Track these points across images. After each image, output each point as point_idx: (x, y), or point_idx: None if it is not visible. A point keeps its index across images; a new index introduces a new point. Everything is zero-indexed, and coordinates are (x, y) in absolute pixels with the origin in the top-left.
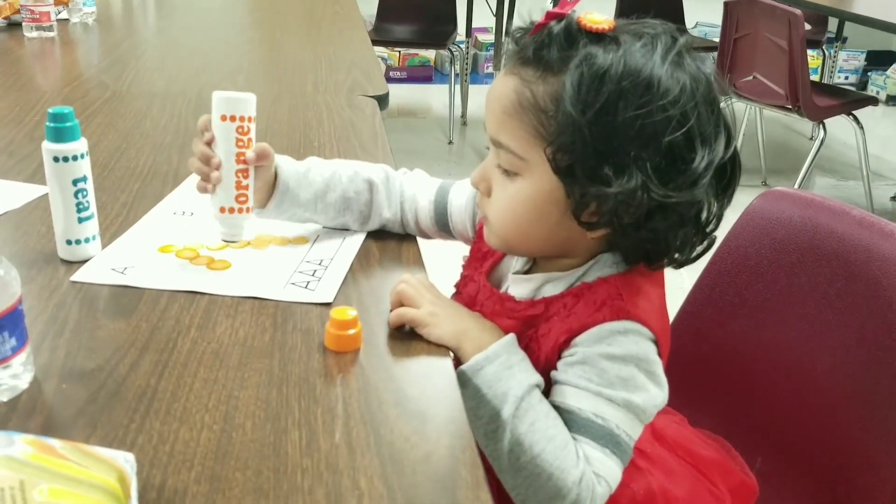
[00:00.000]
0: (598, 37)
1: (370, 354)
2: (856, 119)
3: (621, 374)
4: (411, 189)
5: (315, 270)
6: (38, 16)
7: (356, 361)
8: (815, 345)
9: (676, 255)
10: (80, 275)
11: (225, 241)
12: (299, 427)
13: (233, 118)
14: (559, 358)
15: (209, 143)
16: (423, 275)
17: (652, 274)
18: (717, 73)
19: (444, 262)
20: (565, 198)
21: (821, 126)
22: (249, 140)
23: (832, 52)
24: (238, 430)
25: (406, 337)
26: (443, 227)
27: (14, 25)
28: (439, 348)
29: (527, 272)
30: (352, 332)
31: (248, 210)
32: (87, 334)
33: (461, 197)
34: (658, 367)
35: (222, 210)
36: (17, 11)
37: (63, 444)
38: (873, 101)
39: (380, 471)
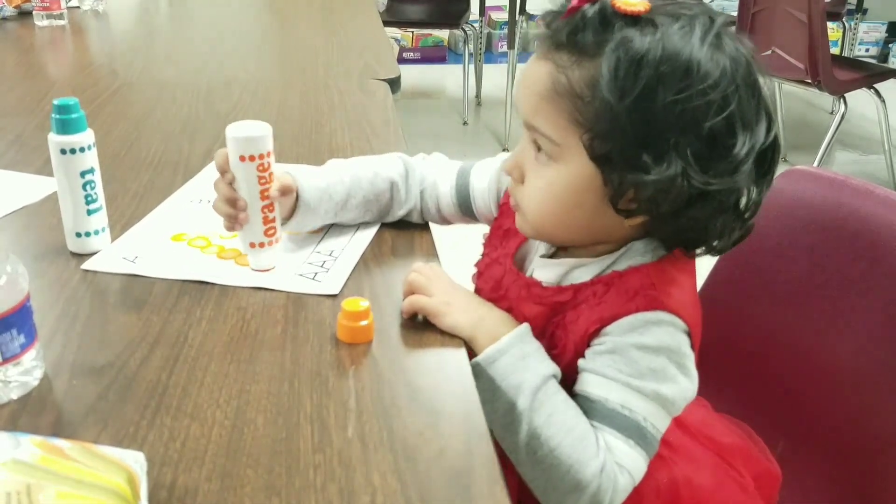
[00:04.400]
0: (633, 19)
1: (383, 346)
2: (877, 92)
3: (652, 366)
4: (431, 177)
5: (324, 261)
6: (48, 4)
7: (369, 353)
8: (837, 327)
9: (715, 243)
10: (92, 263)
11: (255, 269)
12: (311, 422)
13: (251, 157)
14: (588, 347)
15: (231, 183)
16: (437, 263)
17: (684, 264)
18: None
19: (456, 245)
20: (602, 185)
21: (841, 100)
22: (271, 174)
23: (852, 24)
24: (249, 425)
25: (419, 327)
26: (466, 210)
27: (25, 14)
28: (453, 339)
29: (552, 256)
30: (364, 323)
31: (277, 241)
32: (98, 328)
33: (483, 179)
34: (690, 359)
35: (252, 245)
36: (28, 0)
37: (71, 445)
38: (895, 73)
39: (393, 466)
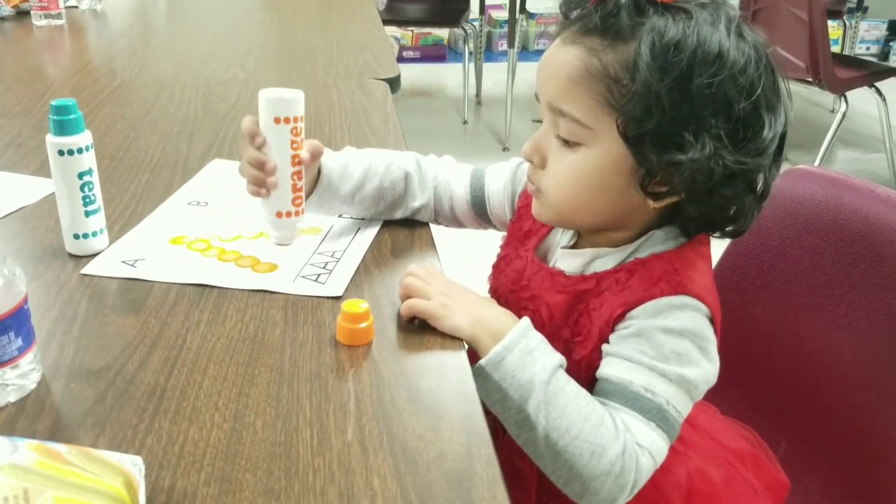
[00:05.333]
0: (665, 7)
1: (383, 348)
2: (878, 91)
3: (676, 349)
4: (444, 176)
5: (327, 263)
6: (46, 3)
7: (368, 355)
8: (839, 327)
9: (741, 224)
10: (91, 268)
11: (278, 244)
12: (311, 425)
13: (286, 120)
14: (612, 331)
15: (260, 148)
16: (436, 263)
17: (702, 251)
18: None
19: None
20: (631, 168)
21: (842, 98)
22: (302, 140)
23: (853, 22)
24: (248, 428)
25: (419, 329)
26: (480, 213)
27: (23, 14)
28: (453, 340)
29: (573, 246)
30: (363, 325)
31: (302, 212)
32: (96, 331)
33: (498, 181)
34: (712, 344)
35: (279, 215)
36: (26, 0)
37: (69, 449)
38: None
39: (393, 469)
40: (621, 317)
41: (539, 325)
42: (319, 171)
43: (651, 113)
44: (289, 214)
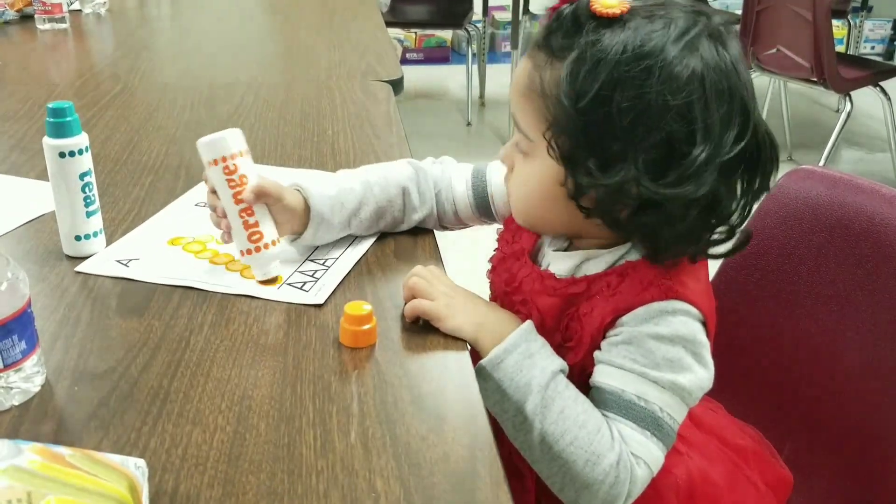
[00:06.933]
0: (608, 21)
1: (386, 350)
2: (883, 91)
3: (668, 356)
4: (445, 179)
5: (316, 271)
6: (49, 7)
7: (371, 357)
8: (844, 327)
9: (686, 249)
10: (85, 266)
11: (261, 281)
12: (314, 427)
13: (215, 161)
14: (603, 338)
15: (213, 193)
16: (440, 266)
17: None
18: (741, 57)
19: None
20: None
21: (847, 98)
22: (242, 177)
23: (857, 21)
24: (252, 431)
25: (422, 331)
26: (484, 210)
27: (27, 18)
28: (456, 342)
29: (566, 249)
30: (367, 327)
31: (265, 246)
32: (100, 334)
33: (499, 175)
34: (705, 348)
35: (242, 253)
36: (30, 3)
37: (72, 452)
38: None
39: (396, 472)
40: (612, 323)
41: None
42: (309, 206)
43: (571, 132)
44: (249, 252)
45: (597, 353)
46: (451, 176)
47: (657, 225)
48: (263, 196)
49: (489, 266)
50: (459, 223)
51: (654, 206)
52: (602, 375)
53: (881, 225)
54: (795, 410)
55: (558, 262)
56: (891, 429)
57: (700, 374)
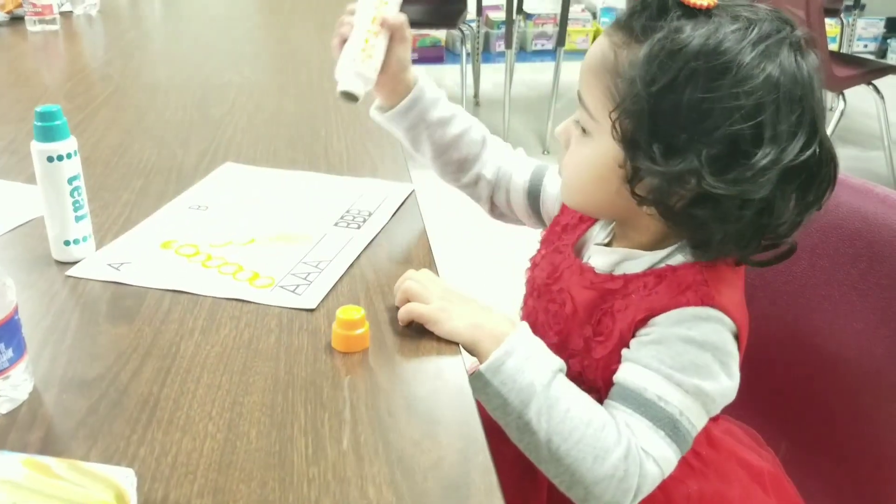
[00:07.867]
0: (694, 12)
1: (378, 354)
2: (876, 89)
3: (696, 360)
4: (508, 165)
5: (309, 273)
6: (40, 9)
7: (364, 362)
8: (838, 327)
9: (731, 249)
10: (76, 270)
11: (342, 91)
12: (305, 434)
13: None
14: (633, 336)
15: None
16: (433, 269)
17: (737, 266)
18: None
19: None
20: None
21: (840, 97)
22: (389, 4)
23: (850, 20)
24: (242, 438)
25: (415, 335)
26: (534, 207)
27: (17, 19)
28: (449, 346)
29: (608, 244)
30: (359, 331)
31: (369, 62)
32: (89, 340)
33: (556, 184)
34: (733, 359)
35: (345, 59)
36: (20, 5)
37: (59, 463)
38: (894, 69)
39: (389, 478)
40: (644, 322)
41: (563, 318)
42: (414, 85)
43: (639, 115)
44: (353, 60)
45: (624, 351)
46: (514, 167)
47: (709, 220)
48: (399, 28)
49: (528, 266)
50: (506, 206)
51: (710, 201)
52: (626, 372)
53: (875, 225)
54: (790, 410)
55: (599, 257)
56: (886, 427)
57: (725, 384)
